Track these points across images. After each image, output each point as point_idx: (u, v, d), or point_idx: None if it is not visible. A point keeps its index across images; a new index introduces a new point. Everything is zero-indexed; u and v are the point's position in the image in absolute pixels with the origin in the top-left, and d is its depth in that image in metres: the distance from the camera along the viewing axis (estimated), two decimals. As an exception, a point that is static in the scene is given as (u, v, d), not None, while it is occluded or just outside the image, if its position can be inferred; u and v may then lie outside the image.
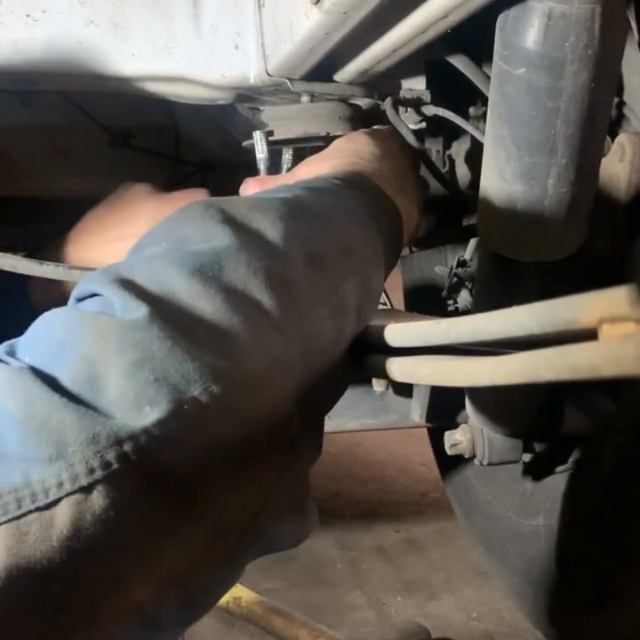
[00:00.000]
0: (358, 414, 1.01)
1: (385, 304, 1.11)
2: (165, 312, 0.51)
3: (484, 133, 0.79)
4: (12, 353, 0.51)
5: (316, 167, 0.82)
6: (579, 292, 0.41)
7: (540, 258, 0.78)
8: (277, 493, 0.56)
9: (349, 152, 0.84)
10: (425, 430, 1.51)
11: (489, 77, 0.80)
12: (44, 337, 0.52)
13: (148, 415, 0.47)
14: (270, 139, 0.99)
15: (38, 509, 0.44)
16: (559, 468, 1.11)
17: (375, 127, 0.96)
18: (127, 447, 0.46)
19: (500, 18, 0.71)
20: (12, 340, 0.54)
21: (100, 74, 0.98)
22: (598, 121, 0.72)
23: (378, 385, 0.82)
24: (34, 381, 0.47)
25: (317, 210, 0.65)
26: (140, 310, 0.50)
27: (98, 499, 0.45)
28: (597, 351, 0.38)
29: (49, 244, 1.06)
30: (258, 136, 0.99)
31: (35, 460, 0.45)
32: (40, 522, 0.44)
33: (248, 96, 1.02)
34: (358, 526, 1.87)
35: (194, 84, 1.00)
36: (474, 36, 0.82)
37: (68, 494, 0.45)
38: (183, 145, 1.52)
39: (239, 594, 1.46)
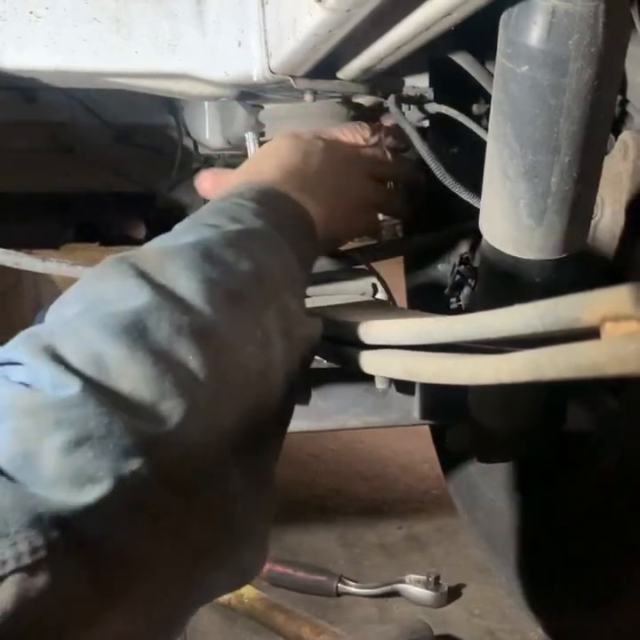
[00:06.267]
0: (360, 412, 1.01)
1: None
2: (98, 385, 0.51)
3: (487, 131, 0.79)
4: None
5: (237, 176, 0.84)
6: (582, 290, 0.41)
7: (543, 256, 0.78)
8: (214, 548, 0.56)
9: (262, 160, 0.86)
10: (427, 428, 1.51)
11: (492, 75, 0.80)
12: None
13: (90, 492, 0.47)
14: (261, 139, 0.99)
15: None
16: (562, 467, 1.10)
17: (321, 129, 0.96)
18: (71, 525, 0.46)
19: (504, 15, 0.71)
20: None
21: (104, 71, 0.98)
22: (601, 119, 0.72)
23: (380, 382, 0.82)
24: None
25: (225, 247, 0.64)
26: (72, 386, 0.50)
27: (42, 576, 0.45)
28: (600, 350, 0.38)
29: None
30: (250, 136, 0.99)
31: None
32: None
33: (251, 93, 1.03)
34: (360, 523, 1.87)
35: (197, 81, 1.01)
36: (477, 33, 0.82)
37: (11, 572, 0.44)
38: (186, 141, 1.52)
39: (241, 590, 1.46)
